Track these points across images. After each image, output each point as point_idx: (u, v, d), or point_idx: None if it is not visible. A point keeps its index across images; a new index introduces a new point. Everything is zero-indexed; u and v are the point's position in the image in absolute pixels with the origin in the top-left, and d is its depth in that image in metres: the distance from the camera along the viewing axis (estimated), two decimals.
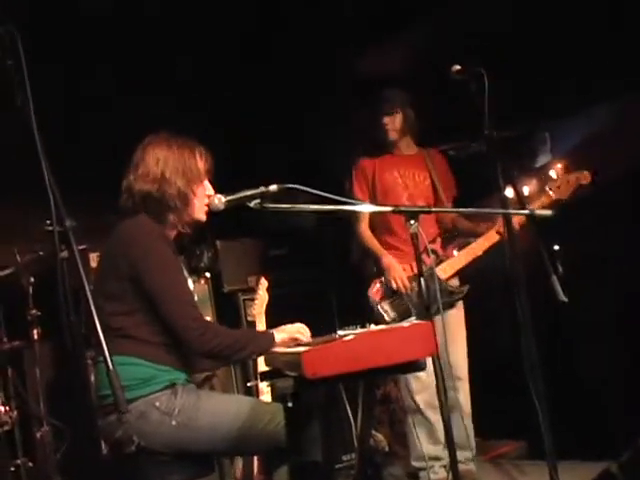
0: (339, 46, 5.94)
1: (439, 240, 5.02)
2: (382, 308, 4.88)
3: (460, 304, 5.04)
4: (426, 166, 5.20)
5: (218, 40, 5.84)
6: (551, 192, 4.62)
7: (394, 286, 4.87)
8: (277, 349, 3.27)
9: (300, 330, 3.36)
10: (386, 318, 4.82)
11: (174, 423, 3.09)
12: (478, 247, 4.83)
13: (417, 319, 2.99)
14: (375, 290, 4.94)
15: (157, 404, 3.10)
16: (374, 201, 5.08)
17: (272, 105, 6.12)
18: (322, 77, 6.12)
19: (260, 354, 3.38)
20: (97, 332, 2.35)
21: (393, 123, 5.12)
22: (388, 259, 4.92)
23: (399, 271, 4.87)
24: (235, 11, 5.66)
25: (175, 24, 5.65)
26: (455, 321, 4.97)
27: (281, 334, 3.32)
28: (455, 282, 4.99)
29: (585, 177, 4.65)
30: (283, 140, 6.26)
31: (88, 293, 2.38)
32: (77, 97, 5.54)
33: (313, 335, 3.33)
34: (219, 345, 3.15)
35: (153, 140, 3.40)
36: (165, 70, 5.80)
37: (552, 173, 4.79)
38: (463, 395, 4.95)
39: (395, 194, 5.09)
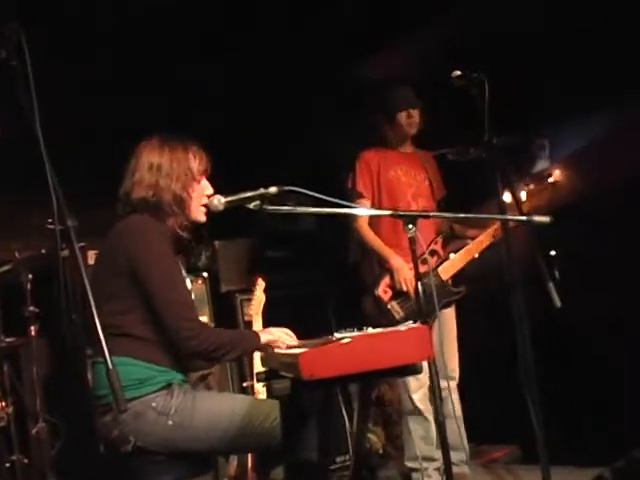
0: (339, 49, 5.96)
1: (440, 240, 5.04)
2: (393, 308, 4.90)
3: (453, 305, 5.08)
4: (423, 166, 5.24)
5: (218, 40, 5.86)
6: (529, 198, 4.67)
7: (404, 288, 4.88)
8: (277, 350, 3.30)
9: (284, 333, 3.39)
10: (397, 317, 4.84)
11: (170, 423, 3.10)
12: (475, 248, 4.87)
13: (420, 321, 3.01)
14: (383, 290, 4.95)
15: (153, 404, 3.11)
16: (378, 197, 5.10)
17: (273, 105, 6.14)
18: (321, 79, 6.14)
19: (246, 354, 3.39)
20: (97, 331, 2.36)
21: (416, 117, 5.13)
22: (397, 261, 4.90)
23: (408, 272, 4.87)
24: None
25: (177, 22, 5.67)
26: (448, 321, 5.00)
27: (267, 335, 3.35)
28: (451, 282, 5.02)
29: (559, 178, 4.67)
30: (283, 143, 6.27)
31: (89, 292, 2.39)
32: (77, 95, 5.55)
33: (309, 337, 3.35)
34: (209, 347, 3.16)
35: (146, 145, 3.40)
36: (164, 70, 5.81)
37: (550, 179, 4.82)
38: (455, 396, 4.97)
39: (400, 192, 5.10)
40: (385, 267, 4.98)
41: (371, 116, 5.33)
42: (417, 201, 5.09)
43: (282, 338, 3.36)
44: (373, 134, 5.29)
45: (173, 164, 3.33)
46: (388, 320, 4.71)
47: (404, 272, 4.88)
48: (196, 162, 3.40)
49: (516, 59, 5.28)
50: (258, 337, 3.34)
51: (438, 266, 4.82)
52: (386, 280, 4.97)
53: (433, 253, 4.89)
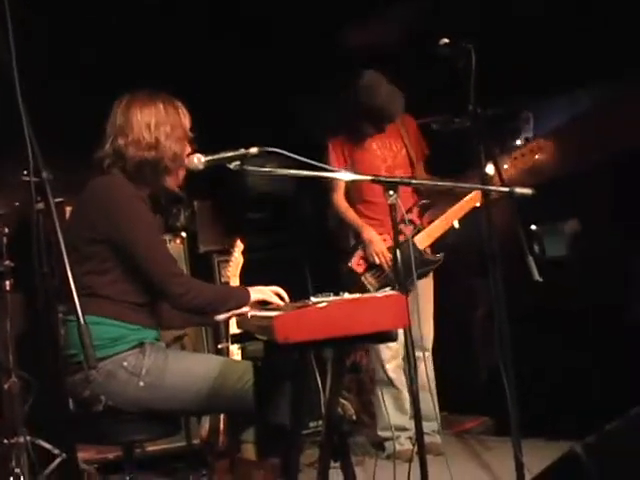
0: (324, 21, 5.89)
1: (415, 210, 5.02)
2: (366, 280, 4.90)
3: (431, 274, 5.08)
4: (400, 135, 5.20)
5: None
6: (513, 161, 4.63)
7: (376, 260, 4.87)
8: (251, 312, 3.27)
9: (276, 292, 3.38)
10: (370, 289, 4.84)
11: (142, 384, 3.09)
12: (454, 214, 4.84)
13: (395, 289, 3.00)
14: (357, 262, 4.95)
15: (125, 364, 3.10)
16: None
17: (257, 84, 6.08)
18: (309, 46, 6.08)
19: (235, 309, 3.37)
20: (69, 287, 2.32)
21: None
22: (369, 233, 4.93)
23: (380, 245, 4.89)
24: None
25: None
26: (425, 292, 5.00)
27: (257, 294, 3.34)
28: (428, 251, 5.00)
29: (545, 145, 4.63)
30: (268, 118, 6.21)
31: (62, 247, 2.35)
32: (59, 50, 5.47)
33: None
34: (201, 302, 3.19)
35: (135, 100, 3.33)
36: (149, 26, 5.74)
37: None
38: (429, 365, 4.98)
39: (373, 167, 5.05)
40: (358, 239, 4.97)
41: (348, 102, 5.27)
42: (392, 174, 5.04)
43: (272, 298, 3.34)
44: (347, 115, 5.25)
45: (169, 121, 3.30)
46: (362, 292, 4.69)
47: (376, 245, 4.89)
48: (185, 119, 3.38)
49: (505, 31, 5.25)
50: (248, 293, 3.33)
51: (414, 235, 4.80)
52: (359, 252, 4.97)
53: (409, 222, 4.87)
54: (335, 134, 5.22)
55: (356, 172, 5.03)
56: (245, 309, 3.35)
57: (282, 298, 3.39)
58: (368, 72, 5.07)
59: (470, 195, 4.72)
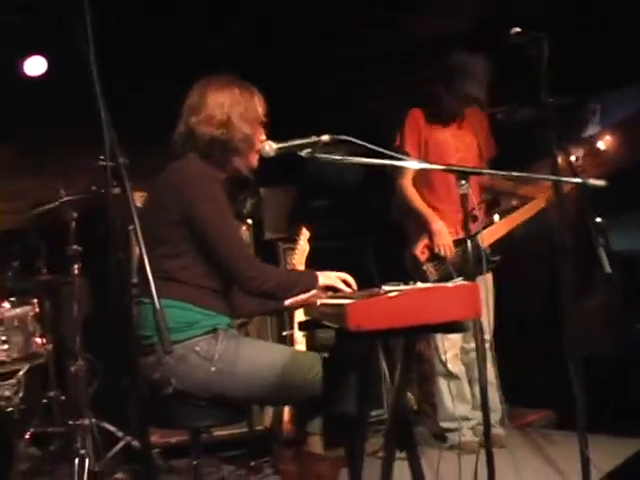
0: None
1: (483, 206, 4.99)
2: (428, 269, 4.88)
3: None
4: (473, 128, 5.15)
5: None
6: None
7: (441, 253, 4.85)
8: (321, 300, 3.27)
9: (343, 277, 3.37)
10: (430, 279, 4.82)
11: (213, 369, 3.09)
12: (520, 216, 4.80)
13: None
14: (421, 250, 4.92)
15: (197, 349, 3.10)
16: (424, 157, 5.02)
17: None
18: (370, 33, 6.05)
19: (304, 293, 3.37)
20: (146, 271, 2.34)
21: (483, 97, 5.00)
22: (438, 225, 4.89)
23: (447, 238, 4.85)
24: None
25: None
26: (487, 282, 4.97)
27: (325, 279, 3.34)
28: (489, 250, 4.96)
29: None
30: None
31: (139, 231, 2.37)
32: (131, 35, 5.51)
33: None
34: (271, 286, 3.18)
35: (212, 83, 3.36)
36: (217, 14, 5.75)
37: (600, 144, 4.74)
38: (488, 355, 4.94)
39: (447, 155, 5.02)
40: (425, 228, 4.94)
41: (429, 83, 5.21)
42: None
43: (339, 284, 3.33)
44: (428, 98, 5.18)
45: (244, 103, 3.32)
46: (422, 280, 4.68)
47: (443, 237, 4.87)
48: (260, 106, 3.39)
49: (575, 21, 5.18)
50: (317, 277, 3.33)
51: (478, 232, 4.75)
52: (425, 241, 4.94)
53: (475, 219, 4.83)
54: (413, 108, 5.13)
55: (429, 157, 5.01)
56: (313, 292, 3.37)
57: (349, 285, 3.37)
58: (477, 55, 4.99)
59: (544, 195, 4.67)
